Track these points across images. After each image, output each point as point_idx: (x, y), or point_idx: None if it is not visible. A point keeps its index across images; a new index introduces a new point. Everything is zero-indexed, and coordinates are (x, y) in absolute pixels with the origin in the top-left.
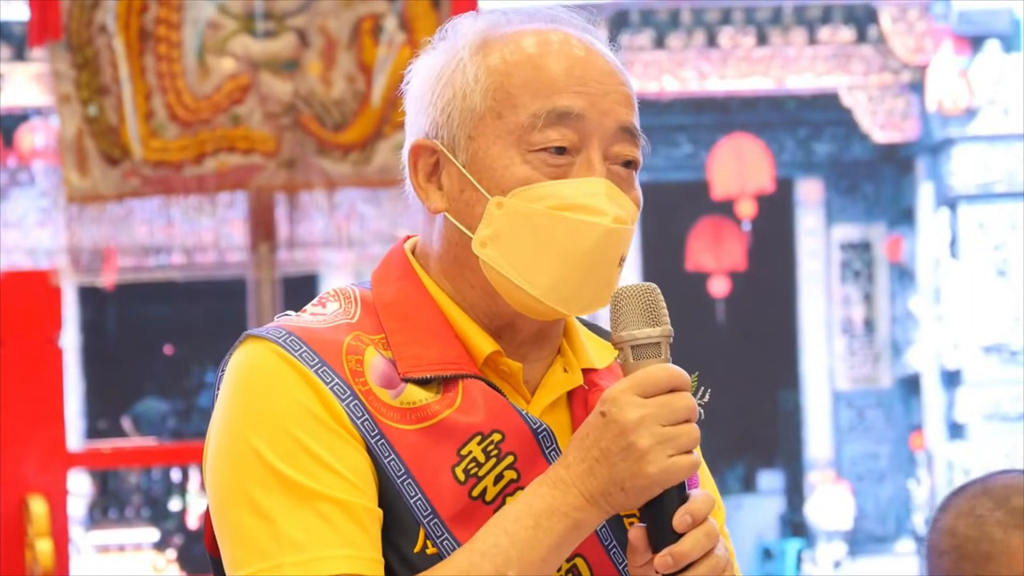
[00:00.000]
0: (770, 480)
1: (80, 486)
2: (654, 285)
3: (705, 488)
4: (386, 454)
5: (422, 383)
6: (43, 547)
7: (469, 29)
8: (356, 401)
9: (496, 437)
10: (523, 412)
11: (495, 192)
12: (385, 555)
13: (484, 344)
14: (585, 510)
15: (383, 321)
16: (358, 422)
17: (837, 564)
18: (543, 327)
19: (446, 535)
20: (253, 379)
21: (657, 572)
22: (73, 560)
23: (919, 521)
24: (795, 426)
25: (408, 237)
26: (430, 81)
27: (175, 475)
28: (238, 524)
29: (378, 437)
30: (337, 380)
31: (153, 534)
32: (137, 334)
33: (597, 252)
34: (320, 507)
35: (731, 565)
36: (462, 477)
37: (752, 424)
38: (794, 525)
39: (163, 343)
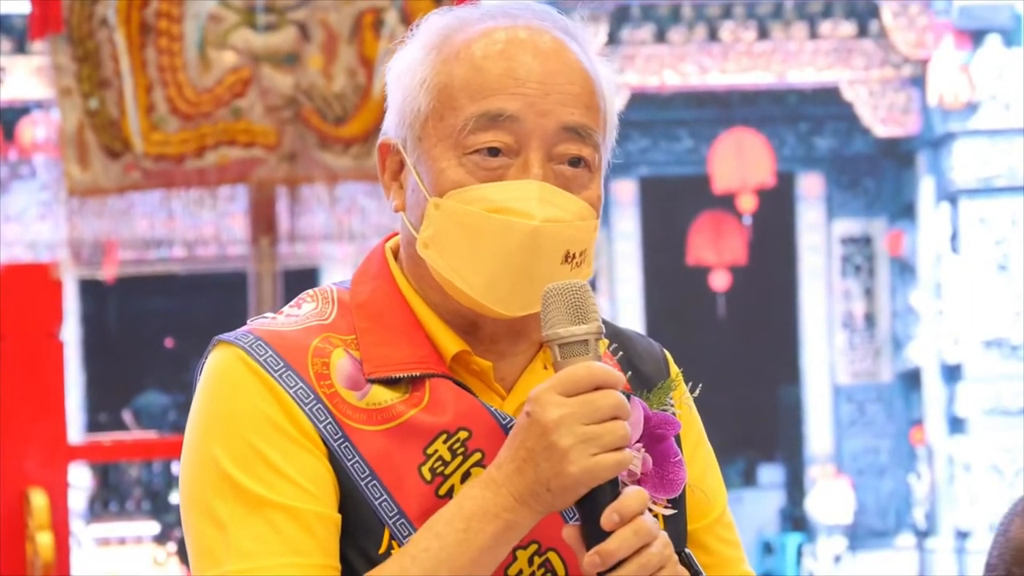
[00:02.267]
0: (770, 474)
1: (81, 479)
2: (583, 282)
3: (707, 476)
4: (349, 456)
5: (390, 383)
6: (43, 540)
7: (433, 25)
8: (319, 405)
9: (462, 435)
10: (492, 409)
11: (435, 193)
12: (350, 558)
13: (452, 343)
14: (515, 511)
15: (355, 321)
16: (320, 426)
17: (837, 558)
18: (514, 324)
19: (412, 534)
20: (217, 385)
21: (588, 571)
22: (74, 553)
23: (919, 516)
24: (795, 420)
25: (392, 235)
26: (393, 79)
27: (176, 468)
28: (197, 530)
29: (341, 440)
30: (301, 384)
31: (154, 527)
32: (138, 327)
33: (526, 251)
34: (270, 515)
35: (672, 563)
36: (428, 476)
37: (752, 418)
38: (794, 519)
39: (164, 336)
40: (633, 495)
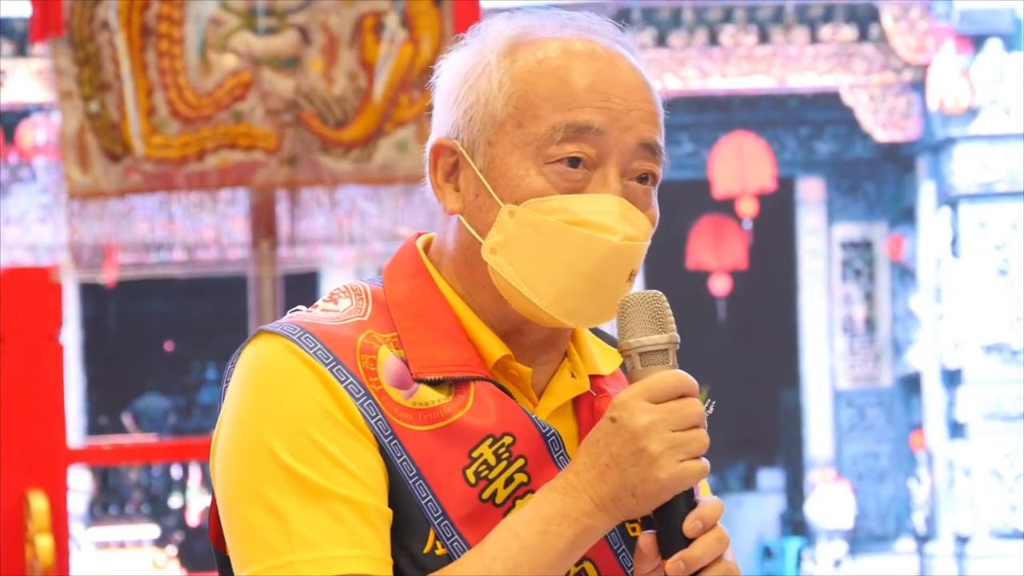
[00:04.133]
0: (770, 479)
1: (81, 482)
2: (660, 293)
3: (705, 490)
4: (399, 455)
5: (434, 384)
6: (43, 543)
7: (500, 31)
8: (370, 400)
9: (507, 440)
10: (533, 416)
11: (508, 200)
12: (395, 555)
13: (495, 347)
14: (595, 516)
15: (395, 319)
16: (372, 422)
17: (837, 563)
18: (551, 333)
19: (456, 536)
20: (267, 375)
21: None
22: (73, 556)
23: (919, 520)
24: (796, 425)
25: (419, 234)
26: (456, 80)
27: (175, 472)
28: (249, 521)
29: (391, 437)
30: (351, 379)
31: (153, 531)
32: (138, 330)
33: (604, 267)
34: (333, 506)
35: (739, 572)
36: (473, 479)
37: (753, 423)
38: (794, 524)
39: (164, 340)
40: (712, 504)
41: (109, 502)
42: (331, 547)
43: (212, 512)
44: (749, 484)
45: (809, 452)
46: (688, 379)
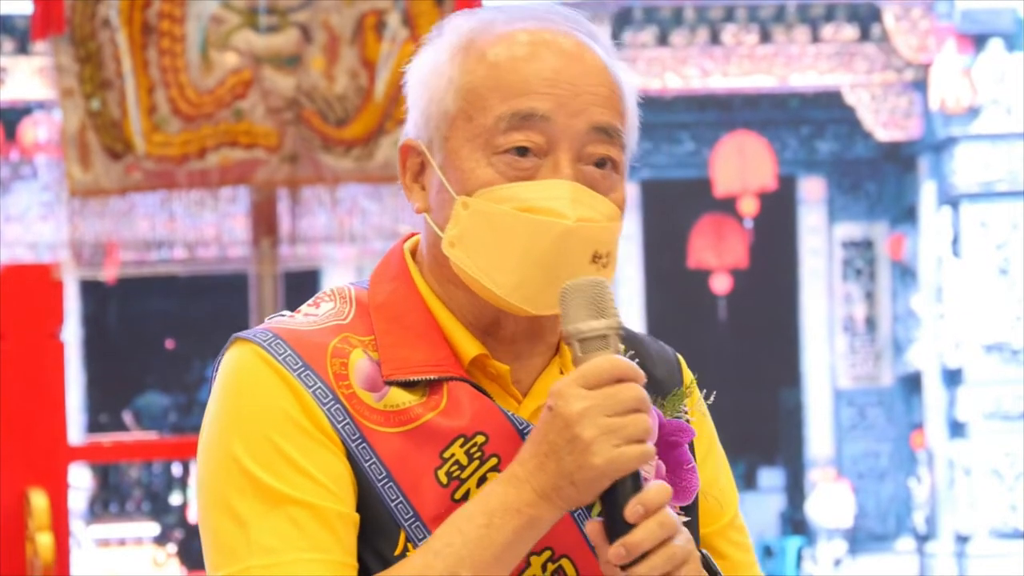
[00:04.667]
0: (771, 478)
1: (81, 480)
2: (603, 279)
3: (719, 480)
4: (367, 458)
5: (408, 385)
6: (43, 541)
7: (455, 29)
8: (338, 405)
9: (479, 439)
10: (509, 413)
11: (462, 193)
12: (366, 558)
13: (470, 346)
14: (538, 506)
15: (374, 322)
16: (338, 426)
17: (837, 562)
18: (533, 324)
19: (427, 537)
20: (235, 382)
21: (613, 564)
22: (73, 554)
23: (919, 520)
24: (796, 424)
25: (409, 236)
26: (416, 81)
27: (176, 469)
28: (215, 527)
29: (359, 441)
30: (320, 384)
31: (154, 528)
32: (139, 328)
33: (558, 251)
34: (292, 512)
35: (695, 559)
36: (445, 480)
37: (753, 422)
38: (795, 523)
39: (165, 337)
40: (656, 488)
41: (109, 500)
42: (288, 552)
43: None
44: (749, 483)
45: (809, 451)
46: (625, 364)
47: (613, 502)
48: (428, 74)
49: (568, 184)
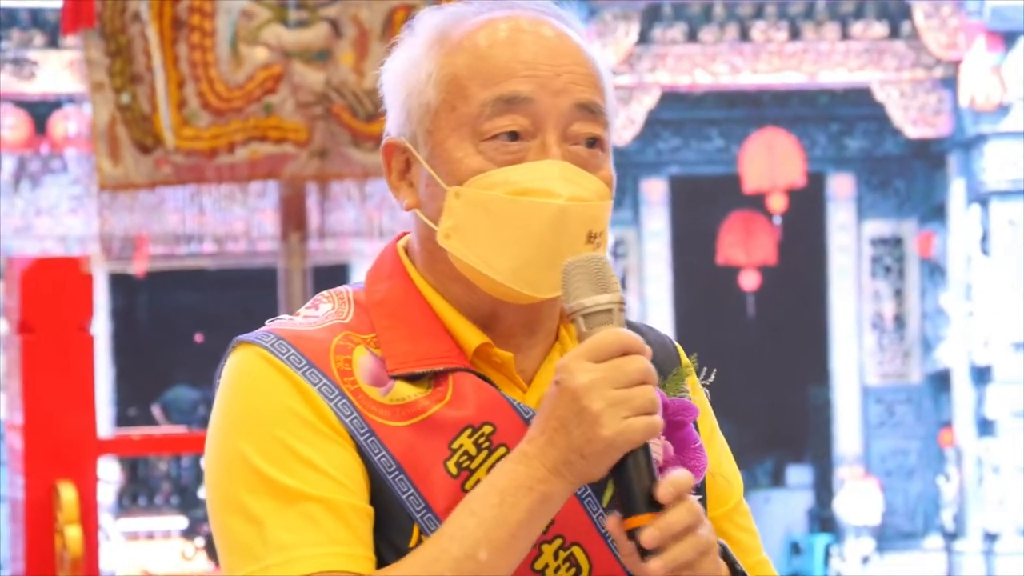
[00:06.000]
0: (799, 475)
1: (110, 473)
2: (602, 255)
3: (722, 464)
4: (376, 451)
5: (412, 379)
6: (72, 534)
7: (428, 23)
8: (344, 400)
9: (487, 429)
10: (514, 402)
11: (452, 183)
12: (381, 551)
13: (472, 336)
14: (549, 482)
15: (374, 320)
16: (346, 421)
17: (865, 560)
18: (530, 314)
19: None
20: (241, 384)
21: (642, 546)
22: (102, 547)
23: (947, 517)
24: (824, 421)
25: (402, 235)
26: (393, 79)
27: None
28: (230, 529)
29: (368, 435)
30: (325, 381)
31: (182, 522)
32: (168, 322)
33: (554, 232)
34: (306, 507)
35: (715, 549)
36: (454, 471)
37: (781, 419)
38: (822, 520)
39: (194, 331)
40: (683, 473)
41: (138, 493)
42: (304, 547)
43: None
44: (778, 480)
45: (838, 449)
46: (630, 336)
47: (625, 476)
48: (405, 71)
49: (558, 164)
